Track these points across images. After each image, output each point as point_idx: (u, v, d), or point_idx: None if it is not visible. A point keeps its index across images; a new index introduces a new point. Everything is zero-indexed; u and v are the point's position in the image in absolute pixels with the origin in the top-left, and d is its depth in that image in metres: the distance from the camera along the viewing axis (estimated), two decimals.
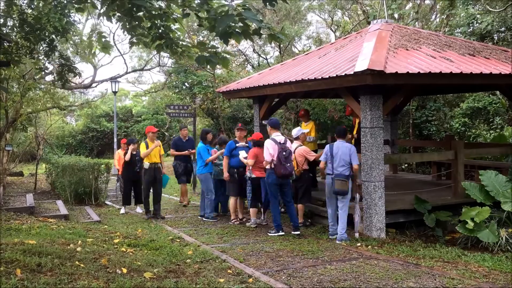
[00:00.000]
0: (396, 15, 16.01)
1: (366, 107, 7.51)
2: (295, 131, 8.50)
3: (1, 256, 4.44)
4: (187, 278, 5.01)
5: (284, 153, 7.52)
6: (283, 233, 7.69)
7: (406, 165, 13.98)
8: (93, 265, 4.80)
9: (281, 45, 19.29)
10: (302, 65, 9.35)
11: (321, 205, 8.81)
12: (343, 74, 6.97)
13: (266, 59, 21.63)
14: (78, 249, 5.42)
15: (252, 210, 8.56)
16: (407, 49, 7.95)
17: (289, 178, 7.71)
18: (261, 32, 5.15)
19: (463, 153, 8.64)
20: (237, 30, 5.08)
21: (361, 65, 6.86)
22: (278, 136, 7.76)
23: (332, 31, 21.53)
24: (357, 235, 7.43)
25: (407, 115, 14.94)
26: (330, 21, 22.10)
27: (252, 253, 6.45)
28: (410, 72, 6.93)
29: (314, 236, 7.64)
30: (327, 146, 7.62)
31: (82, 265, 4.71)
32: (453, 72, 7.25)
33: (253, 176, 8.35)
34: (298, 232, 7.66)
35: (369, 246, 6.86)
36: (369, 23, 12.77)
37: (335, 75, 7.13)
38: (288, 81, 8.29)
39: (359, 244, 7.01)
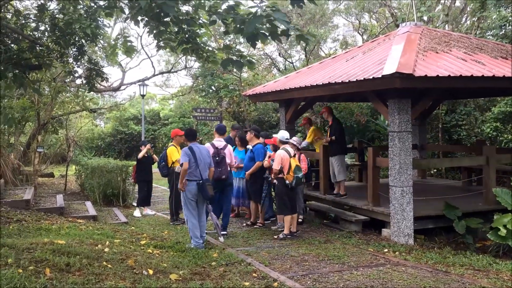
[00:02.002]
0: (425, 18, 15.72)
1: (394, 111, 7.40)
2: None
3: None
4: (212, 281, 5.02)
5: (217, 158, 7.72)
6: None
7: (435, 170, 13.70)
8: (120, 266, 4.86)
9: (307, 49, 19.22)
10: (329, 68, 9.29)
11: (347, 209, 8.72)
12: (371, 77, 6.89)
13: (292, 62, 21.55)
14: (106, 249, 5.49)
15: (280, 216, 8.43)
16: (437, 52, 7.80)
17: (223, 181, 7.87)
18: (289, 33, 5.13)
19: (495, 158, 8.42)
20: (264, 32, 5.09)
21: (389, 68, 6.76)
22: (219, 141, 7.97)
23: (359, 34, 21.29)
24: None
25: (436, 119, 14.64)
26: (357, 24, 21.87)
27: (278, 257, 6.42)
28: (440, 75, 6.80)
29: (340, 241, 7.55)
30: None
31: (109, 265, 4.77)
32: (485, 75, 7.07)
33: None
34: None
35: (397, 252, 6.74)
36: (397, 26, 12.59)
37: (362, 79, 7.05)
38: (315, 84, 8.24)
39: (386, 250, 6.90)
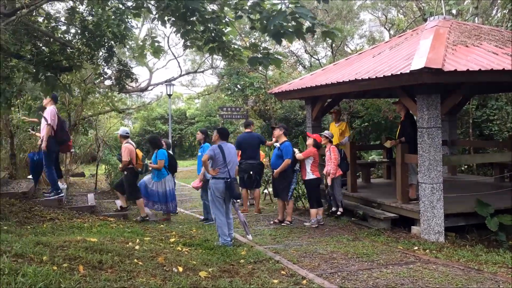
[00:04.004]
0: (454, 11, 15.40)
1: (423, 107, 7.28)
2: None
3: None
4: (241, 278, 5.05)
5: None
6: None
7: (465, 166, 13.40)
8: (151, 263, 4.94)
9: (333, 45, 19.08)
10: (356, 64, 9.20)
11: (376, 207, 8.63)
12: (399, 73, 6.79)
13: (318, 59, 21.44)
14: (137, 247, 5.59)
15: (313, 211, 8.50)
16: (466, 46, 7.63)
17: None
18: (314, 29, 5.11)
19: None
20: (289, 29, 5.08)
21: (417, 63, 6.66)
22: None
23: (386, 29, 21.01)
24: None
25: (466, 114, 14.31)
26: (384, 19, 21.58)
27: (306, 255, 6.41)
28: (470, 69, 6.65)
29: (368, 238, 7.48)
30: None
31: (140, 262, 4.86)
32: None
33: (313, 177, 8.33)
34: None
35: (427, 250, 6.64)
36: (425, 20, 12.37)
37: (390, 74, 6.96)
38: (341, 81, 8.18)
39: (416, 248, 6.80)
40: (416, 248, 6.79)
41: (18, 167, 11.14)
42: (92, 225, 7.23)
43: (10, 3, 6.36)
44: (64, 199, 8.85)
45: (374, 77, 7.26)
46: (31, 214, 7.31)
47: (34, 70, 6.34)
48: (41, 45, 6.59)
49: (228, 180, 6.91)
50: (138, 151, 9.19)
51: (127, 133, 9.30)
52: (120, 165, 9.16)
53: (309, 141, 8.66)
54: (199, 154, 9.27)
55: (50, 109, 8.43)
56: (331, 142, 8.88)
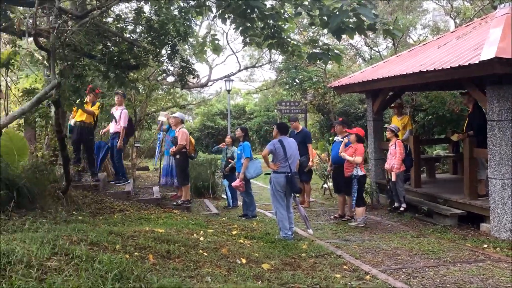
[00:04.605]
0: None
1: (493, 99, 6.95)
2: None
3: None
4: (303, 272, 5.08)
5: None
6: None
7: None
8: (215, 254, 5.08)
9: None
10: (420, 56, 8.92)
11: (442, 203, 8.36)
12: (467, 63, 6.52)
13: (379, 51, 20.90)
14: (201, 238, 5.76)
15: (360, 209, 8.24)
16: None
17: None
18: (376, 27, 5.03)
19: None
20: (350, 26, 5.02)
21: (487, 53, 6.36)
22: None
23: (452, 18, 20.10)
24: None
25: None
26: (449, 8, 20.65)
27: (368, 250, 6.34)
28: None
29: (434, 235, 7.26)
30: None
31: (205, 253, 5.01)
32: None
33: (361, 173, 8.16)
34: None
35: (497, 248, 6.36)
36: (495, 7, 11.73)
37: (457, 65, 6.69)
38: (405, 73, 7.96)
39: (485, 245, 6.53)
40: (485, 246, 6.52)
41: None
42: (158, 216, 7.52)
43: (82, 6, 6.74)
44: (131, 191, 9.27)
45: (440, 68, 7.01)
46: (102, 205, 7.71)
47: (105, 69, 6.68)
48: (110, 44, 6.90)
49: (289, 174, 6.95)
50: (191, 137, 9.58)
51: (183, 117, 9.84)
52: (173, 148, 9.38)
53: (352, 137, 8.20)
54: (238, 152, 9.30)
55: (125, 112, 9.53)
56: (396, 136, 8.64)
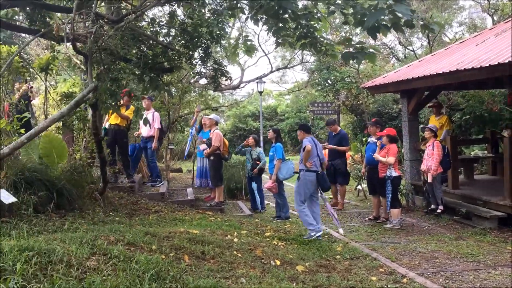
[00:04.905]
0: None
1: None
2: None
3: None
4: (338, 274, 5.02)
5: None
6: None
7: None
8: (249, 255, 5.09)
9: (430, 35, 18.13)
10: (456, 54, 8.71)
11: (481, 205, 8.11)
12: (507, 61, 6.31)
13: (413, 50, 20.50)
14: (235, 240, 5.78)
15: (396, 211, 8.09)
16: None
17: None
18: (413, 24, 4.92)
19: None
20: (385, 23, 4.93)
21: None
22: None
23: (489, 15, 19.51)
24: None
25: None
26: (486, 5, 20.06)
27: (405, 253, 6.22)
28: None
29: (473, 238, 7.05)
30: None
31: (239, 254, 5.02)
32: None
33: (395, 174, 8.02)
34: None
35: None
36: None
37: (497, 63, 6.49)
38: (441, 72, 7.78)
39: None
40: None
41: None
42: (193, 218, 7.59)
43: (117, 11, 6.87)
44: (166, 193, 9.40)
45: (479, 66, 6.81)
46: (138, 206, 7.84)
47: (139, 72, 6.78)
48: (145, 48, 7.01)
49: (320, 172, 7.06)
50: (224, 139, 9.64)
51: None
52: (208, 150, 9.45)
53: (384, 139, 8.08)
54: (270, 153, 9.24)
55: (157, 114, 9.77)
56: (435, 136, 8.45)
